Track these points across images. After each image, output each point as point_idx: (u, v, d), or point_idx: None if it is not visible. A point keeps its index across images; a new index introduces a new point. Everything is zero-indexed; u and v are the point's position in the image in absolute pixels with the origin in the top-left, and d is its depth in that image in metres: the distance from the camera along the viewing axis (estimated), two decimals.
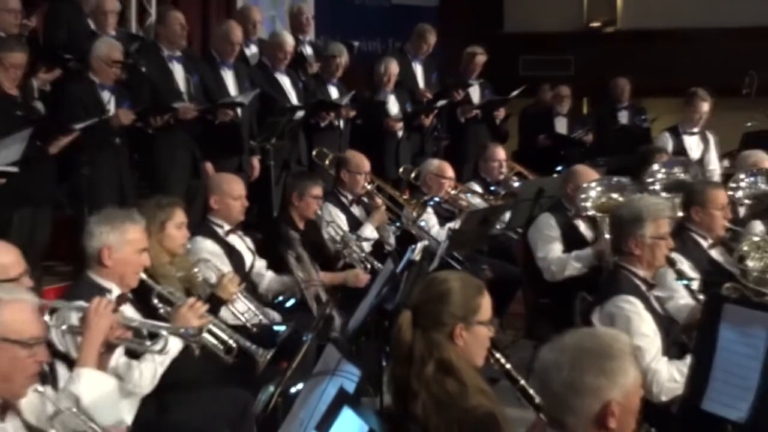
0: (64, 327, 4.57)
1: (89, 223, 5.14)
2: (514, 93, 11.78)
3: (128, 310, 5.03)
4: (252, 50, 10.35)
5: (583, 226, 7.59)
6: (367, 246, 8.12)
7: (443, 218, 8.87)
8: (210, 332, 5.21)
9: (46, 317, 4.50)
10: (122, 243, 5.05)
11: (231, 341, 5.28)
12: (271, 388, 4.60)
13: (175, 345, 4.86)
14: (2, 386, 3.66)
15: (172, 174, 8.62)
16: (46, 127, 7.53)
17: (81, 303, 4.60)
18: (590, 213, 7.24)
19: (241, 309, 6.21)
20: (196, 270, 6.08)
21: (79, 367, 4.18)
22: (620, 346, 3.16)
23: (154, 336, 4.67)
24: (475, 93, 11.78)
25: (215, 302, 5.81)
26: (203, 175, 8.68)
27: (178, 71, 8.83)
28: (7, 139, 7.07)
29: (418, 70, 11.60)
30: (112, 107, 8.11)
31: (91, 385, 4.10)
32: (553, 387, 3.11)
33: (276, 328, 5.73)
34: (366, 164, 8.56)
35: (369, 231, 8.22)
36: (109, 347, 4.38)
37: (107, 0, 9.17)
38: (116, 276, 5.08)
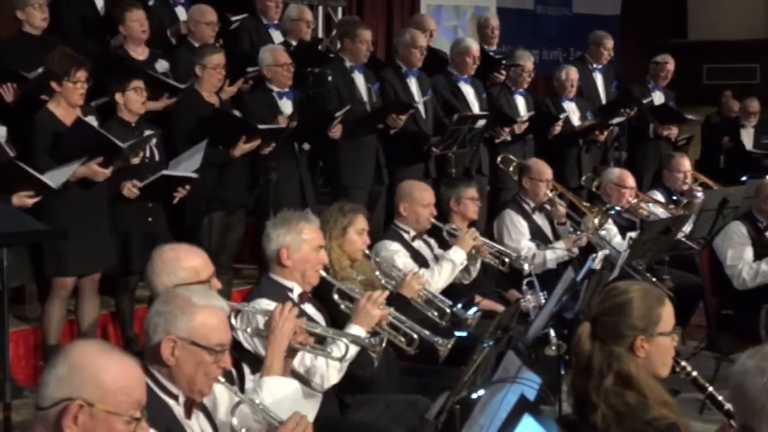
0: (249, 330, 4.70)
1: (267, 227, 5.27)
2: (690, 117, 11.69)
3: (309, 309, 5.16)
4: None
5: None
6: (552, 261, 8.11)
7: (622, 227, 8.79)
8: (391, 325, 5.28)
9: (233, 320, 4.65)
10: (299, 242, 5.15)
11: (412, 332, 5.32)
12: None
13: (353, 349, 4.95)
14: (185, 386, 3.75)
15: (356, 180, 8.74)
16: (226, 127, 7.69)
17: (267, 307, 4.74)
18: None
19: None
20: (377, 273, 6.17)
21: (264, 375, 4.28)
22: None
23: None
24: (659, 101, 11.60)
25: (400, 301, 5.85)
26: (386, 181, 8.83)
27: (359, 80, 8.96)
28: (187, 152, 7.32)
29: (599, 79, 11.49)
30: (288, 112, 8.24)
31: (274, 392, 4.18)
32: (751, 392, 3.06)
33: (457, 333, 5.74)
34: (548, 172, 8.45)
35: (559, 251, 8.21)
36: (291, 351, 4.48)
37: (306, 12, 9.67)
38: (296, 275, 5.17)
